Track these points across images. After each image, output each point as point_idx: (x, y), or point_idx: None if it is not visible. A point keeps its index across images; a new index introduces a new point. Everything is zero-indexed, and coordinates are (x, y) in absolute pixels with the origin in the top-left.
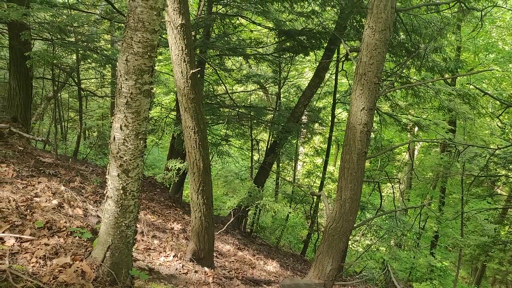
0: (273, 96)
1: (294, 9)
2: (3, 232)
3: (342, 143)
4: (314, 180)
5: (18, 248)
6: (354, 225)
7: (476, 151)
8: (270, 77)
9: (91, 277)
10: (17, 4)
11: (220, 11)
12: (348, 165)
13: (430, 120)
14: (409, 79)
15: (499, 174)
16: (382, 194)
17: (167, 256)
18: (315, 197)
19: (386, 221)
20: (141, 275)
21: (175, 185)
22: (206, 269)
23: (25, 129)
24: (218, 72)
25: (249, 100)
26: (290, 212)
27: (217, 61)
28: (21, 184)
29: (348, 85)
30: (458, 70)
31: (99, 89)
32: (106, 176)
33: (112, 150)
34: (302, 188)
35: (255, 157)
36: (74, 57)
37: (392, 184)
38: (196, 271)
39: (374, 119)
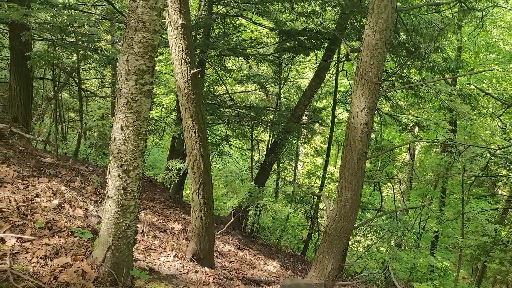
0: (273, 96)
1: (294, 9)
2: (4, 232)
3: (342, 143)
4: (314, 180)
5: (18, 248)
6: (355, 225)
7: (476, 151)
8: (271, 77)
9: (92, 277)
10: (17, 5)
11: (220, 11)
12: (348, 165)
13: (431, 120)
14: (409, 79)
15: (499, 174)
16: (383, 194)
17: (168, 256)
18: (316, 197)
19: (387, 221)
20: (142, 275)
21: (175, 185)
22: (206, 269)
23: (26, 129)
24: (219, 72)
25: (249, 100)
26: (290, 212)
27: (217, 61)
28: (21, 184)
29: (349, 85)
30: (459, 70)
31: (100, 89)
32: (107, 176)
33: (113, 150)
34: (303, 188)
35: (256, 157)
36: (75, 57)
37: (393, 184)
38: (196, 271)
39: (375, 119)
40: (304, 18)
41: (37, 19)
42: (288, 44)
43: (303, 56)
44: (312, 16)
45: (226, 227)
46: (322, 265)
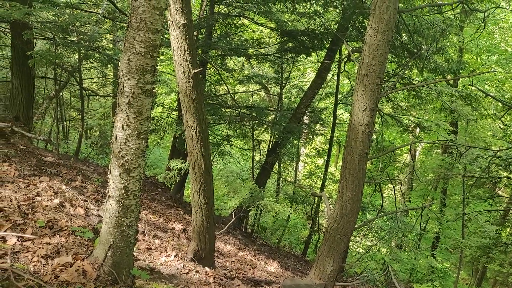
0: (274, 96)
1: (296, 9)
2: (5, 231)
3: (343, 144)
4: (315, 180)
5: (19, 247)
6: (355, 226)
7: (477, 153)
8: (272, 78)
9: (92, 277)
10: (19, 3)
11: (222, 11)
12: (349, 166)
13: (432, 122)
14: (411, 80)
15: (500, 176)
16: (383, 195)
17: (168, 256)
18: (316, 197)
19: (387, 222)
20: (142, 274)
21: (176, 185)
22: (207, 269)
23: (27, 128)
24: (220, 72)
25: (250, 101)
26: (291, 213)
27: (219, 61)
28: (22, 183)
29: (350, 86)
30: (461, 71)
31: (101, 88)
32: (108, 175)
33: (114, 150)
34: (303, 189)
35: (257, 158)
36: (76, 56)
37: (393, 185)
38: (197, 271)
39: (376, 120)
40: (306, 19)
41: (39, 18)
42: (290, 44)
43: (305, 57)
44: (314, 17)
45: (226, 227)
46: (323, 266)
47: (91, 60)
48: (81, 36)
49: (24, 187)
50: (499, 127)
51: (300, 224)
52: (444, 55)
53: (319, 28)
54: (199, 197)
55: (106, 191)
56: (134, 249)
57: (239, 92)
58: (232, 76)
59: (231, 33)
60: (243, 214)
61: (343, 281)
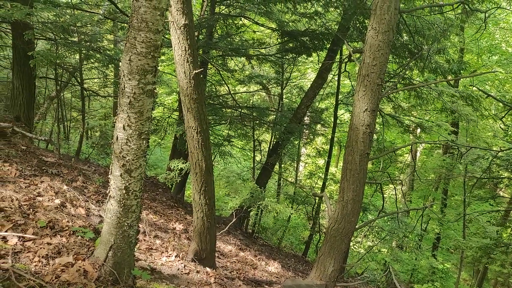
0: (275, 97)
1: (297, 10)
2: (6, 231)
3: (344, 144)
4: (316, 181)
5: (20, 247)
6: (356, 227)
7: (478, 153)
8: (273, 78)
9: (93, 277)
10: (20, 4)
11: (223, 11)
12: (350, 166)
13: (433, 122)
14: (412, 80)
15: (501, 176)
16: (384, 195)
17: (169, 256)
18: (317, 198)
19: (388, 223)
20: (143, 275)
21: (177, 185)
22: (208, 269)
23: (28, 128)
24: (221, 72)
25: (251, 101)
26: (292, 213)
27: (219, 62)
28: (24, 183)
29: (351, 86)
30: (461, 71)
31: (102, 89)
32: (109, 176)
33: (115, 150)
34: (304, 189)
35: (257, 158)
36: (77, 56)
37: (394, 186)
38: (198, 271)
39: (377, 121)
40: (307, 19)
41: (40, 19)
42: (291, 44)
43: (306, 57)
44: (315, 17)
45: (227, 227)
46: (324, 266)
47: (92, 60)
48: (82, 37)
49: (25, 187)
50: (500, 127)
51: (301, 224)
52: (445, 55)
53: (320, 29)
54: (200, 198)
55: (107, 191)
56: (135, 249)
57: (240, 93)
58: (233, 76)
59: (232, 33)
60: (244, 214)
61: (344, 281)
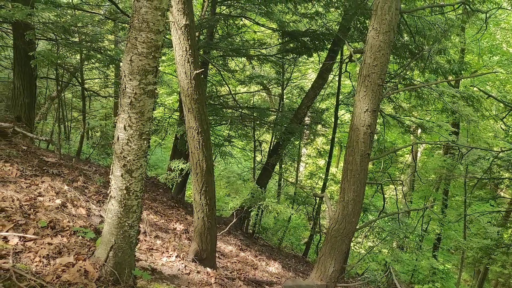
0: (276, 97)
1: (298, 10)
2: (7, 231)
3: (344, 145)
4: (316, 181)
5: (21, 247)
6: (357, 227)
7: (479, 154)
8: (273, 78)
9: (94, 277)
10: (22, 4)
11: (224, 12)
12: (351, 166)
13: (434, 122)
14: (412, 81)
15: (502, 177)
16: (385, 196)
17: (170, 257)
18: (318, 198)
19: (389, 223)
20: (144, 275)
21: (177, 186)
22: (208, 269)
23: (29, 128)
24: (222, 72)
25: (252, 101)
26: (292, 214)
27: (220, 62)
28: (24, 183)
29: (352, 87)
30: (462, 72)
31: (103, 89)
32: (110, 176)
33: (116, 150)
34: (305, 190)
35: (258, 158)
36: (78, 57)
37: (395, 186)
38: (198, 272)
39: (377, 121)
40: (307, 19)
41: (41, 19)
42: (291, 45)
43: (306, 57)
44: (316, 17)
45: (228, 227)
46: (324, 267)
47: (92, 60)
48: (83, 37)
49: (26, 187)
50: (501, 128)
51: (301, 225)
52: (445, 56)
53: (320, 29)
54: (200, 198)
55: (107, 192)
56: (136, 249)
57: (241, 93)
58: (233, 76)
59: (233, 33)
60: (245, 214)
61: (344, 282)
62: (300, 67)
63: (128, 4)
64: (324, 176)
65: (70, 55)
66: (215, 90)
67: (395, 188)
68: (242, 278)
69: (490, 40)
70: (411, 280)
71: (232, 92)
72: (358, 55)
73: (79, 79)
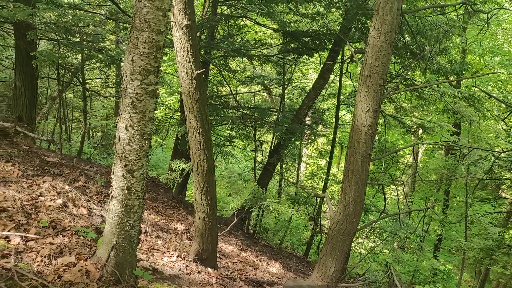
0: (277, 97)
1: (299, 10)
2: (9, 231)
3: (345, 145)
4: (317, 181)
5: (23, 247)
6: (358, 227)
7: (480, 154)
8: (274, 78)
9: (96, 277)
10: (23, 4)
11: (225, 12)
12: (352, 167)
13: (435, 123)
14: (414, 81)
15: (503, 177)
16: (386, 196)
17: (171, 257)
18: (319, 198)
19: (390, 224)
20: (145, 275)
21: (178, 186)
22: (209, 269)
23: (30, 128)
24: (223, 73)
25: (253, 101)
26: (293, 214)
27: (221, 62)
28: (26, 183)
29: (353, 87)
30: (463, 72)
31: (104, 89)
32: (111, 176)
33: (117, 150)
34: (306, 190)
35: (259, 158)
36: (79, 57)
37: (396, 187)
38: (199, 272)
39: (378, 121)
40: (309, 20)
41: (43, 19)
42: (292, 45)
43: (307, 58)
44: (317, 18)
45: (229, 227)
46: (325, 267)
47: (94, 60)
48: (84, 37)
49: (28, 187)
50: (502, 128)
51: (302, 225)
52: (447, 56)
53: (321, 29)
54: (201, 198)
55: (109, 192)
56: (137, 249)
57: (242, 93)
58: (234, 76)
59: (234, 34)
60: (245, 215)
61: (345, 282)
62: (301, 67)
63: (129, 4)
64: (325, 177)
65: (71, 55)
66: (216, 90)
67: (396, 189)
68: (243, 278)
69: (491, 40)
70: (412, 280)
71: (233, 92)
72: (359, 56)
73: (80, 79)
